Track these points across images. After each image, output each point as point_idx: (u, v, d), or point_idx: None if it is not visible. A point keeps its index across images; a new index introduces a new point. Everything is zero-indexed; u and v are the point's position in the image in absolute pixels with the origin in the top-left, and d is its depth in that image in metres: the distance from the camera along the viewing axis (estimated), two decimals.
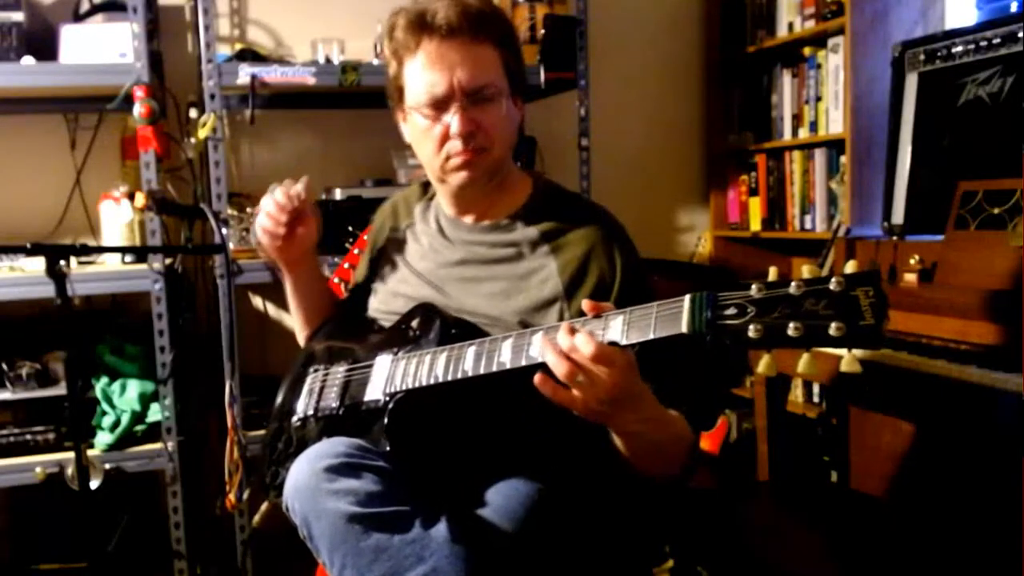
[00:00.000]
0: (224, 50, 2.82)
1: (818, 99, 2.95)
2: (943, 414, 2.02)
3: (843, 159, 2.82)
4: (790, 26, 3.05)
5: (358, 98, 2.79)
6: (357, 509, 1.27)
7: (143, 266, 2.50)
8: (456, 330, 1.47)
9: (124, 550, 2.65)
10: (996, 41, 2.19)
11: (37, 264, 2.19)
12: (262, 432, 1.81)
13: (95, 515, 2.24)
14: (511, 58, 1.52)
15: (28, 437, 2.48)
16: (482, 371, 1.32)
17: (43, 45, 2.49)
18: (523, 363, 1.27)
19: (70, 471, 2.40)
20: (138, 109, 2.41)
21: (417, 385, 1.41)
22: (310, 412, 1.58)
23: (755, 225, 3.28)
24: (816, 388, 2.98)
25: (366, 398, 1.48)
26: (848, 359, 1.04)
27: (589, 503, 1.50)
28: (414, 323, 1.52)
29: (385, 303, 1.65)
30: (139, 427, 2.58)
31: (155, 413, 2.59)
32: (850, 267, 1.03)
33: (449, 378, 1.36)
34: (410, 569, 1.25)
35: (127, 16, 2.44)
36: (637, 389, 1.22)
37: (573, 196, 1.64)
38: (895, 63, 2.44)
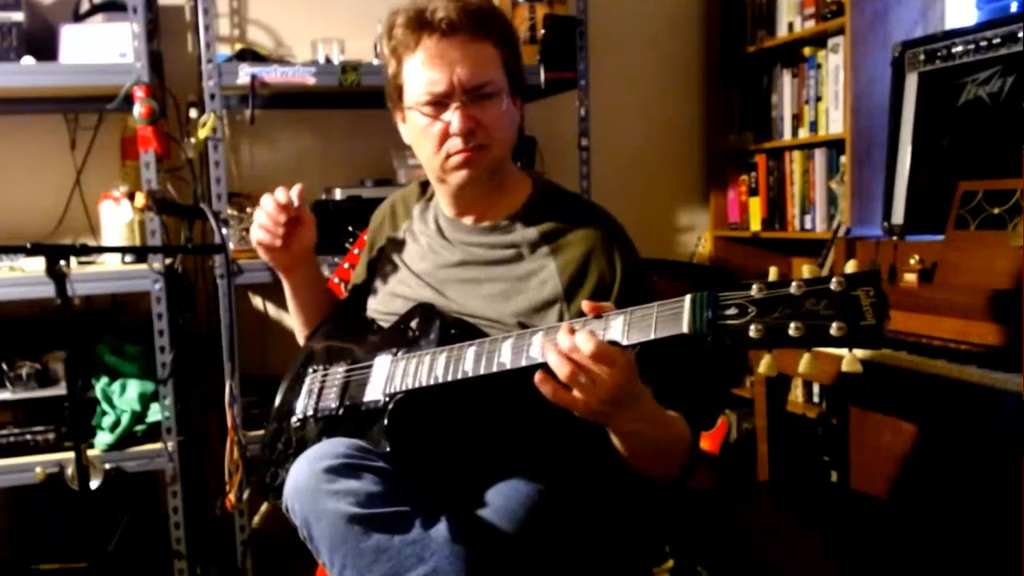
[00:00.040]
0: (224, 50, 2.82)
1: (818, 99, 2.95)
2: (943, 414, 2.02)
3: (843, 159, 2.82)
4: (790, 26, 3.05)
5: (358, 98, 2.79)
6: (357, 510, 1.27)
7: (143, 266, 2.50)
8: (456, 330, 1.47)
9: (124, 550, 2.65)
10: (996, 41, 2.19)
11: (37, 264, 2.19)
12: (262, 432, 1.80)
13: (95, 515, 2.24)
14: (511, 57, 1.52)
15: (28, 437, 2.48)
16: (482, 371, 1.32)
17: (43, 45, 2.49)
18: (523, 363, 1.27)
19: (70, 471, 2.40)
20: (138, 109, 2.41)
21: (417, 385, 1.41)
22: (309, 412, 1.58)
23: (755, 225, 3.28)
24: (816, 388, 2.98)
25: (366, 398, 1.48)
26: (849, 359, 1.04)
27: (589, 503, 1.50)
28: (413, 323, 1.52)
29: (384, 304, 1.65)
30: (139, 427, 2.58)
31: (155, 413, 2.59)
32: (850, 267, 1.03)
33: (449, 378, 1.36)
34: (410, 569, 1.25)
35: (127, 16, 2.44)
36: (637, 389, 1.22)
37: (573, 196, 1.64)
38: (895, 63, 2.44)
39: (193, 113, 2.74)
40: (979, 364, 1.82)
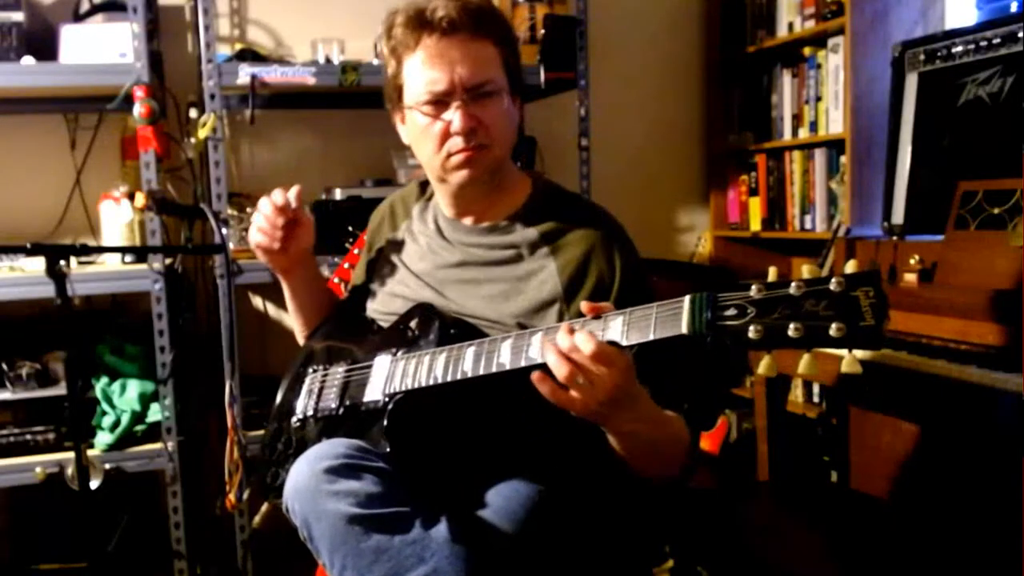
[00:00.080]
0: (224, 50, 2.82)
1: (818, 99, 2.95)
2: (943, 414, 2.02)
3: (843, 159, 2.82)
4: (790, 26, 3.05)
5: (358, 98, 2.79)
6: (357, 510, 1.27)
7: (143, 266, 2.50)
8: (455, 331, 1.47)
9: (124, 550, 2.65)
10: (996, 41, 2.19)
11: (37, 264, 2.19)
12: (262, 432, 1.81)
13: (95, 515, 2.25)
14: (510, 56, 1.52)
15: (28, 437, 2.48)
16: (481, 372, 1.32)
17: (43, 45, 2.49)
18: (522, 364, 1.26)
19: (70, 471, 2.40)
20: (138, 109, 2.41)
21: (417, 386, 1.41)
22: (309, 413, 1.58)
23: (755, 225, 3.28)
24: (816, 388, 2.98)
25: (365, 399, 1.48)
26: (849, 360, 1.04)
27: (589, 504, 1.50)
28: (413, 323, 1.52)
29: (384, 304, 1.65)
30: (139, 427, 2.58)
31: (155, 413, 2.59)
32: (850, 267, 1.03)
33: (448, 379, 1.36)
34: (411, 570, 1.25)
35: (127, 16, 2.44)
36: (635, 390, 1.22)
37: (573, 196, 1.64)
38: (895, 63, 2.44)
39: (193, 113, 2.74)
40: (979, 364, 1.82)
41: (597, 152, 2.96)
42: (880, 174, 2.53)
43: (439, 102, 1.46)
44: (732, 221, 3.43)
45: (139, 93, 2.41)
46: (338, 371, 1.59)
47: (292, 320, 1.82)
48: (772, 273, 1.10)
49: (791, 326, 1.02)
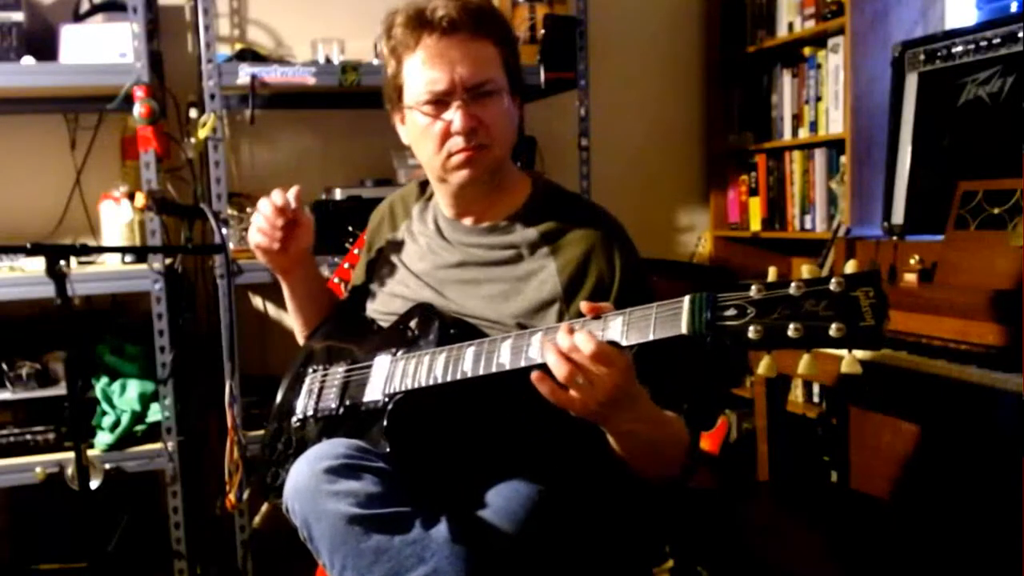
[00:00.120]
0: (224, 50, 2.82)
1: (818, 99, 2.95)
2: (943, 414, 2.02)
3: (843, 159, 2.82)
4: (790, 26, 3.05)
5: (358, 98, 2.79)
6: (357, 510, 1.27)
7: (143, 266, 2.50)
8: (455, 331, 1.47)
9: (124, 550, 2.65)
10: (996, 41, 2.19)
11: (37, 264, 2.19)
12: (262, 432, 1.81)
13: (95, 515, 2.25)
14: (510, 56, 1.52)
15: (28, 437, 2.49)
16: (481, 372, 1.32)
17: (43, 45, 2.49)
18: (522, 364, 1.26)
19: (70, 471, 2.40)
20: (138, 109, 2.41)
21: (416, 386, 1.41)
22: (309, 412, 1.58)
23: (755, 225, 3.28)
24: (816, 388, 2.98)
25: (365, 399, 1.48)
26: (849, 360, 1.04)
27: (589, 504, 1.50)
28: (412, 323, 1.52)
29: (384, 304, 1.65)
30: (139, 427, 2.58)
31: (155, 413, 2.59)
32: (850, 267, 1.03)
33: (448, 379, 1.36)
34: (411, 570, 1.25)
35: (127, 16, 2.44)
36: (635, 390, 1.22)
37: (573, 196, 1.64)
38: (895, 63, 2.44)
39: (193, 113, 2.74)
40: (979, 364, 1.82)
41: (597, 152, 2.96)
42: (880, 174, 2.53)
43: (439, 102, 1.46)
44: (732, 221, 3.43)
45: (139, 93, 2.41)
46: (338, 371, 1.59)
47: (292, 320, 1.82)
48: (772, 273, 1.10)
49: (791, 326, 1.02)
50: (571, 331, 1.19)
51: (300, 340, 1.82)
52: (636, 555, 1.66)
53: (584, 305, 1.22)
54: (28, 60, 2.41)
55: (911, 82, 2.41)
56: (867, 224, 2.69)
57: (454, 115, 1.45)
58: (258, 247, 1.63)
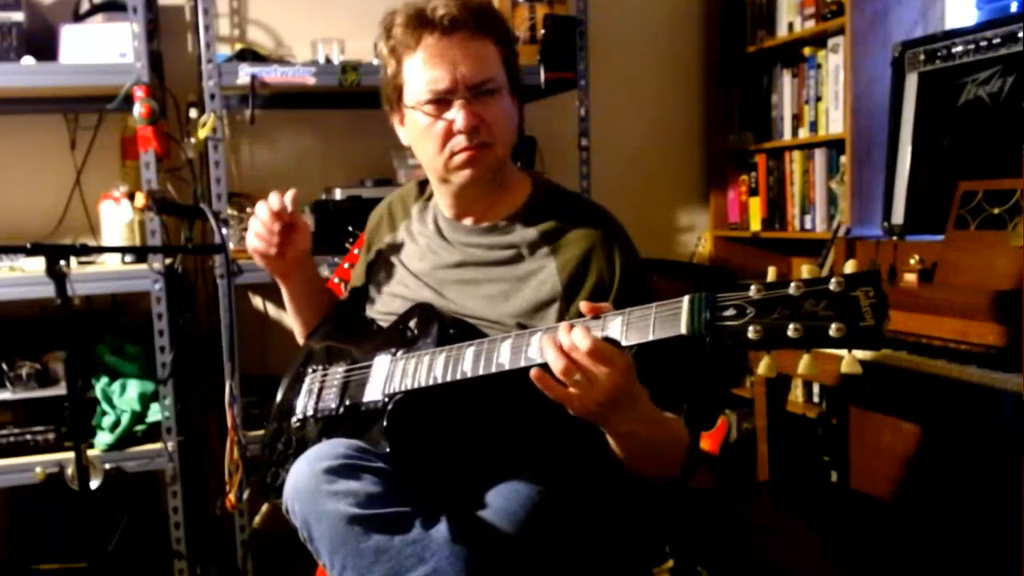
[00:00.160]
0: (224, 50, 2.82)
1: (818, 99, 2.95)
2: (943, 414, 2.02)
3: (843, 159, 2.82)
4: (790, 26, 3.05)
5: (358, 98, 2.79)
6: (357, 510, 1.27)
7: (143, 266, 2.50)
8: (454, 330, 1.47)
9: (124, 550, 2.65)
10: (996, 41, 2.19)
11: (37, 264, 2.19)
12: (262, 432, 1.81)
13: (95, 515, 2.25)
14: (509, 55, 1.52)
15: (28, 437, 2.48)
16: (481, 372, 1.32)
17: (43, 45, 2.49)
18: (522, 364, 1.26)
19: (70, 471, 2.40)
20: (138, 109, 2.41)
21: (416, 386, 1.41)
22: (309, 413, 1.58)
23: (755, 225, 3.28)
24: (816, 388, 2.98)
25: (365, 399, 1.48)
26: (848, 360, 1.04)
27: (589, 504, 1.50)
28: (412, 323, 1.52)
29: (384, 304, 1.65)
30: (139, 427, 2.58)
31: (155, 413, 2.59)
32: (849, 267, 1.02)
33: (448, 379, 1.36)
34: (411, 570, 1.25)
35: (127, 16, 2.44)
36: (635, 390, 1.22)
37: (573, 196, 1.63)
38: (895, 63, 2.44)
39: (193, 113, 2.74)
40: (979, 364, 1.82)
41: (597, 152, 2.96)
42: (880, 174, 2.53)
43: (441, 101, 1.45)
44: (732, 221, 3.43)
45: (139, 93, 2.41)
46: (338, 371, 1.59)
47: (291, 321, 1.82)
48: (771, 273, 1.10)
49: (790, 326, 1.02)
50: (571, 330, 1.19)
51: (300, 341, 1.82)
52: (636, 555, 1.66)
53: (584, 305, 1.22)
54: (28, 60, 2.41)
55: (911, 82, 2.40)
56: (867, 224, 2.69)
57: (456, 114, 1.44)
58: (256, 252, 1.64)
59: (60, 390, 2.48)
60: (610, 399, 1.19)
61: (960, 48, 2.27)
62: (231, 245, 2.44)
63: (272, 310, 3.01)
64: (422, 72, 1.46)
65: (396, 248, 1.68)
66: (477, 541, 1.30)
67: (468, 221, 1.58)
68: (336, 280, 1.99)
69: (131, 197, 2.56)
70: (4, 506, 2.73)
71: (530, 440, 1.46)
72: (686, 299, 1.11)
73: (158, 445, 2.56)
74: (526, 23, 2.82)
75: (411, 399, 1.42)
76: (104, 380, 2.58)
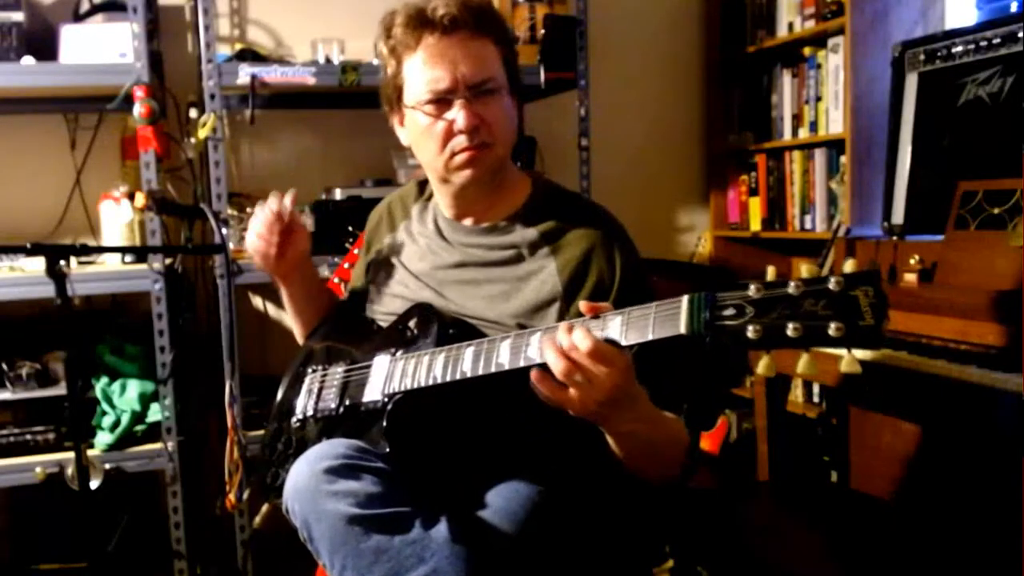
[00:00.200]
0: (224, 50, 2.82)
1: (818, 99, 2.95)
2: (943, 414, 2.02)
3: (843, 159, 2.82)
4: (790, 26, 3.05)
5: (358, 98, 2.79)
6: (357, 511, 1.27)
7: (143, 266, 2.50)
8: (454, 330, 1.47)
9: (124, 550, 2.65)
10: (996, 41, 2.19)
11: (37, 264, 2.19)
12: (262, 432, 1.81)
13: (95, 515, 2.24)
14: (509, 55, 1.52)
15: (28, 437, 2.49)
16: (480, 372, 1.32)
17: (43, 45, 2.49)
18: (521, 364, 1.26)
19: (70, 471, 2.40)
20: (138, 109, 2.41)
21: (416, 386, 1.40)
22: (309, 413, 1.58)
23: (755, 225, 3.28)
24: (816, 388, 2.98)
25: (365, 399, 1.48)
26: (848, 360, 1.04)
27: (589, 504, 1.50)
28: (411, 323, 1.52)
29: (384, 304, 1.65)
30: (139, 427, 2.58)
31: (155, 413, 2.59)
32: (849, 266, 1.02)
33: (448, 379, 1.36)
34: (411, 570, 1.25)
35: (127, 16, 2.44)
36: (634, 390, 1.22)
37: (573, 196, 1.63)
38: (895, 63, 2.44)
39: (193, 113, 2.74)
40: (979, 364, 1.82)
41: (597, 152, 2.96)
42: (880, 174, 2.53)
43: (441, 100, 1.45)
44: (732, 221, 3.43)
45: (139, 93, 2.42)
46: (337, 371, 1.59)
47: (291, 322, 1.82)
48: (771, 272, 1.10)
49: (790, 326, 1.01)
50: (570, 330, 1.19)
51: (300, 341, 1.82)
52: (636, 555, 1.66)
53: (583, 305, 1.22)
54: (28, 60, 2.41)
55: (911, 82, 2.40)
56: (867, 224, 2.69)
57: (457, 114, 1.44)
58: (255, 253, 1.64)
59: (60, 390, 2.48)
60: (609, 399, 1.19)
61: (960, 48, 2.27)
62: (231, 245, 2.44)
63: (272, 310, 3.01)
64: (422, 72, 1.46)
65: (396, 248, 1.68)
66: (477, 541, 1.30)
67: (468, 221, 1.58)
68: (336, 280, 1.99)
69: (131, 197, 2.56)
70: (4, 506, 2.73)
71: (530, 440, 1.46)
72: (685, 299, 1.11)
73: (158, 445, 2.56)
74: (526, 23, 2.82)
75: (411, 399, 1.42)
76: (104, 380, 2.58)
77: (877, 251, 2.33)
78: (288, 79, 2.59)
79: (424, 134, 1.48)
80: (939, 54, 2.33)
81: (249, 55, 2.69)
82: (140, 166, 2.48)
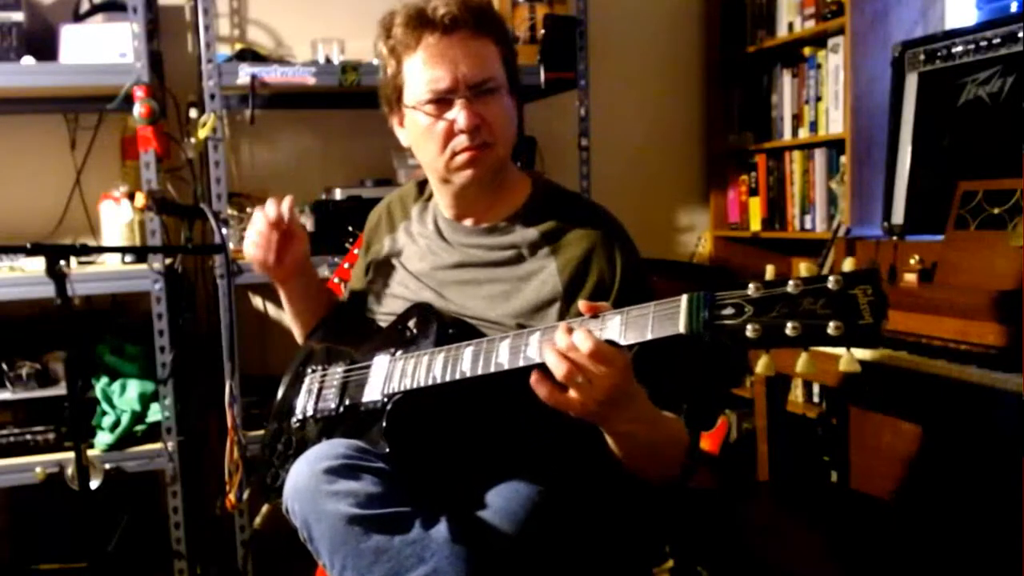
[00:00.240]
0: (224, 50, 2.82)
1: (818, 99, 2.95)
2: (943, 414, 2.02)
3: (843, 159, 2.82)
4: (790, 26, 3.05)
5: (358, 98, 2.78)
6: (357, 511, 1.27)
7: (143, 266, 2.50)
8: (453, 330, 1.47)
9: (124, 550, 2.65)
10: (996, 41, 2.19)
11: (37, 264, 2.19)
12: (262, 432, 1.81)
13: (95, 515, 2.24)
14: (509, 55, 1.52)
15: (28, 437, 2.49)
16: (480, 372, 1.32)
17: (43, 45, 2.49)
18: (520, 364, 1.26)
19: (70, 471, 2.40)
20: (138, 109, 2.41)
21: (415, 386, 1.40)
22: (309, 413, 1.58)
23: (755, 225, 3.28)
24: (816, 388, 2.98)
25: (364, 399, 1.48)
26: (847, 359, 1.04)
27: (589, 504, 1.50)
28: (411, 323, 1.52)
29: (384, 305, 1.64)
30: (139, 427, 2.58)
31: (155, 413, 2.59)
32: (847, 265, 1.02)
33: (447, 379, 1.36)
34: (411, 570, 1.25)
35: (127, 16, 2.44)
36: (633, 389, 1.22)
37: (573, 196, 1.63)
38: (895, 63, 2.44)
39: (193, 113, 2.74)
40: (979, 364, 1.82)
41: (597, 152, 2.96)
42: (880, 174, 2.52)
43: (442, 100, 1.45)
44: (732, 221, 3.43)
45: (139, 93, 2.42)
46: (337, 371, 1.59)
47: (290, 324, 1.82)
48: (769, 272, 1.10)
49: (789, 324, 1.01)
50: (569, 330, 1.19)
51: (299, 341, 1.82)
52: (636, 555, 1.65)
53: (582, 304, 1.22)
54: (28, 60, 2.41)
55: (911, 82, 2.40)
56: (867, 224, 2.69)
57: (458, 113, 1.44)
58: (253, 261, 1.64)
59: (60, 390, 2.49)
60: (608, 398, 1.19)
61: (960, 48, 2.27)
62: (231, 245, 2.44)
63: (272, 310, 3.01)
64: (422, 72, 1.46)
65: (395, 249, 1.68)
66: (477, 541, 1.30)
67: (468, 222, 1.58)
68: (336, 280, 1.99)
69: (131, 197, 2.56)
70: (4, 506, 2.73)
71: (530, 440, 1.46)
72: (684, 298, 1.10)
73: (158, 445, 2.56)
74: (526, 23, 2.82)
75: (410, 399, 1.42)
76: (104, 380, 2.58)
77: (877, 251, 2.33)
78: (288, 79, 2.59)
79: (424, 134, 1.48)
80: (939, 54, 2.33)
81: (249, 55, 2.69)
82: (140, 166, 2.48)
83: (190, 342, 2.66)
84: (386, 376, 1.47)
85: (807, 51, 2.98)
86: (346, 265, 2.03)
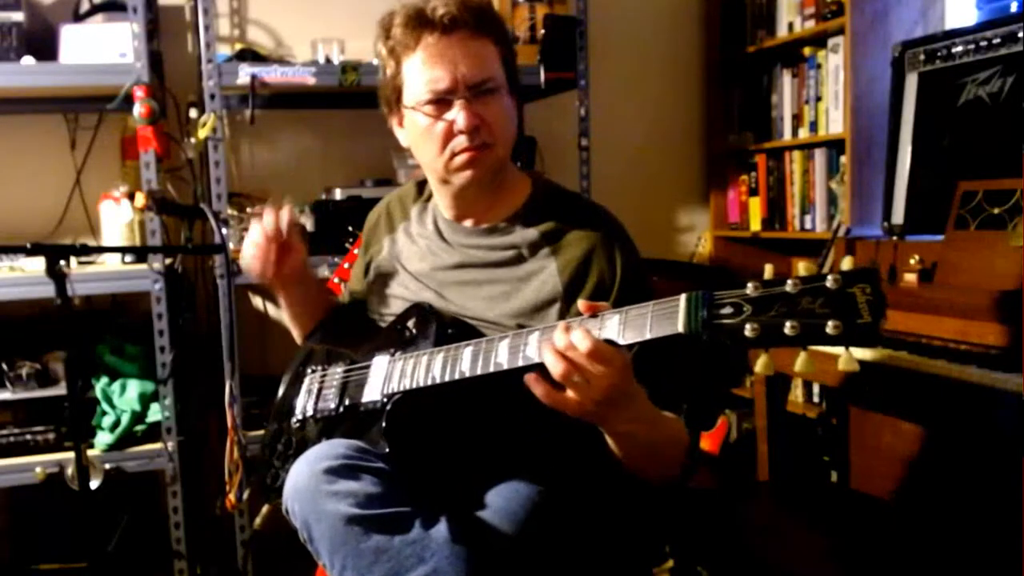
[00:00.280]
0: (224, 50, 2.82)
1: (818, 99, 2.95)
2: (943, 414, 2.02)
3: (843, 159, 2.82)
4: (790, 26, 3.05)
5: (358, 98, 2.78)
6: (357, 511, 1.27)
7: (143, 266, 2.50)
8: (452, 330, 1.47)
9: (124, 550, 2.65)
10: (996, 41, 2.19)
11: (37, 264, 2.19)
12: (262, 432, 1.81)
13: (95, 515, 2.25)
14: (508, 55, 1.51)
15: (28, 437, 2.49)
16: (479, 372, 1.32)
17: (43, 45, 2.49)
18: (520, 363, 1.26)
19: (70, 471, 2.40)
20: (138, 109, 2.41)
21: (415, 386, 1.40)
22: (309, 413, 1.58)
23: (755, 225, 3.27)
24: (816, 388, 2.98)
25: (364, 399, 1.48)
26: (846, 358, 1.04)
27: (589, 504, 1.50)
28: (410, 323, 1.52)
29: (384, 305, 1.64)
30: (139, 427, 2.58)
31: (155, 413, 2.59)
32: (846, 264, 1.02)
33: (446, 379, 1.36)
34: (411, 570, 1.25)
35: (127, 16, 2.44)
36: (632, 389, 1.22)
37: (573, 196, 1.63)
38: (895, 63, 2.44)
39: (193, 113, 2.74)
40: (979, 364, 1.82)
41: (597, 152, 2.96)
42: (880, 174, 2.52)
43: (441, 101, 1.45)
44: (732, 221, 3.43)
45: (139, 93, 2.42)
46: (337, 371, 1.59)
47: (289, 326, 1.82)
48: (768, 271, 1.10)
49: (787, 324, 1.01)
50: (568, 329, 1.19)
51: (299, 342, 1.82)
52: (636, 555, 1.65)
53: (581, 304, 1.22)
54: (28, 60, 2.41)
55: (911, 82, 2.40)
56: (867, 224, 2.69)
57: (457, 114, 1.44)
58: (252, 272, 1.64)
59: (60, 390, 2.49)
60: (607, 398, 1.19)
61: (960, 48, 2.27)
62: (231, 245, 2.44)
63: (272, 310, 3.01)
64: (422, 72, 1.45)
65: (395, 250, 1.68)
66: (477, 541, 1.30)
67: (468, 223, 1.58)
68: (336, 280, 1.99)
69: (131, 197, 2.56)
70: (4, 506, 2.73)
71: (529, 440, 1.46)
72: (683, 297, 1.10)
73: (158, 445, 2.56)
74: (526, 23, 2.82)
75: (410, 399, 1.42)
76: (104, 380, 2.58)
77: (877, 251, 2.33)
78: (288, 79, 2.59)
79: (424, 135, 1.48)
80: (939, 54, 2.33)
81: (249, 55, 2.69)
82: (140, 166, 2.48)
83: (190, 342, 2.66)
84: (386, 376, 1.47)
85: (807, 51, 2.98)
86: (346, 265, 2.03)
